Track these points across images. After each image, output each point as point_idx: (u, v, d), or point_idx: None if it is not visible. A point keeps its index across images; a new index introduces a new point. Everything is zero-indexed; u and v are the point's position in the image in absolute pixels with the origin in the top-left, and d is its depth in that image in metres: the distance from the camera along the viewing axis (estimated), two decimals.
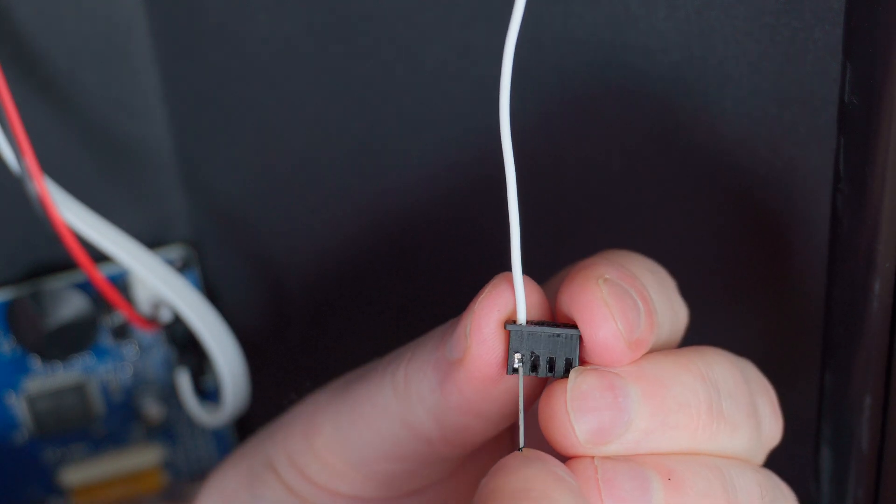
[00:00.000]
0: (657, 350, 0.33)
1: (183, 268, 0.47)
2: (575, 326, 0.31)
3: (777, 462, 0.36)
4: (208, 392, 0.49)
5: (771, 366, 0.44)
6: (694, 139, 0.41)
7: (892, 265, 0.34)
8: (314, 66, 0.42)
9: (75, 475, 0.49)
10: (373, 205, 0.45)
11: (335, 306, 0.48)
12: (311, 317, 0.48)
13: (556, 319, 0.32)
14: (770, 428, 0.34)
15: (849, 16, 0.32)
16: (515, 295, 0.31)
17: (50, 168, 0.40)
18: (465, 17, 0.41)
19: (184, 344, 0.47)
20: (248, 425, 0.50)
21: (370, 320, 0.48)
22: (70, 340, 0.46)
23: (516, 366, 0.31)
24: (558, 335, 0.31)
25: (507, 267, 0.32)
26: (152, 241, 0.46)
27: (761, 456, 0.34)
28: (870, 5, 0.31)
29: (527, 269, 0.32)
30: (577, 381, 0.31)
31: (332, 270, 0.47)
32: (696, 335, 0.34)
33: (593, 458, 0.31)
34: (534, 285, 0.32)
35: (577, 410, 0.31)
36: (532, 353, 0.31)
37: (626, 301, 0.31)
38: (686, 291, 0.42)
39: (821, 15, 0.37)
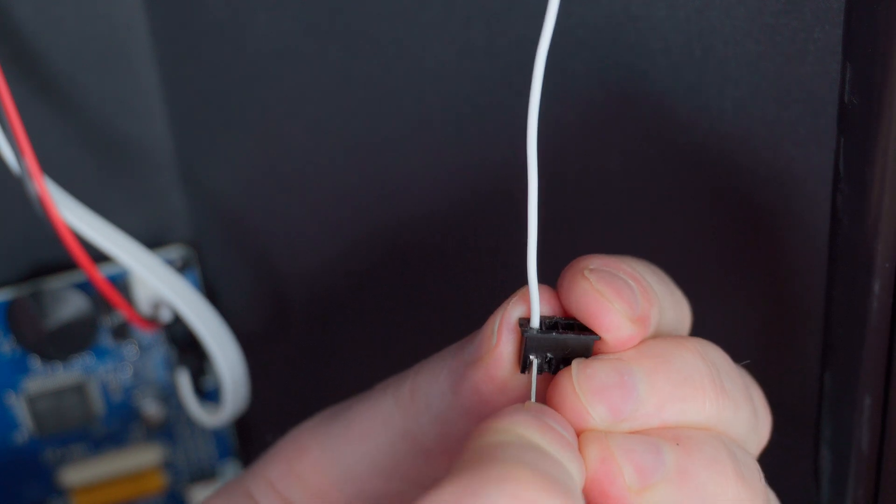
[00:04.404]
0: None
1: (183, 268, 0.47)
2: (592, 332, 0.32)
3: (777, 462, 0.36)
4: (208, 392, 0.49)
5: (771, 366, 0.44)
6: (694, 139, 0.41)
7: (892, 265, 0.34)
8: (314, 66, 0.42)
9: (75, 475, 0.49)
10: (372, 205, 0.45)
11: (335, 306, 0.48)
12: (311, 317, 0.48)
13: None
14: (764, 422, 0.35)
15: (849, 16, 0.32)
16: (530, 299, 0.32)
17: (50, 168, 0.40)
18: (465, 17, 0.41)
19: (184, 344, 0.47)
20: (248, 425, 0.50)
21: (370, 320, 0.48)
22: (70, 340, 0.46)
23: (532, 361, 0.32)
24: (574, 340, 0.32)
25: (511, 267, 0.33)
26: (152, 241, 0.46)
27: (755, 450, 0.34)
28: (870, 5, 0.31)
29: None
30: (581, 366, 0.31)
31: (331, 270, 0.47)
32: (695, 335, 0.34)
33: (602, 430, 0.31)
34: (551, 291, 0.33)
35: (587, 392, 0.31)
36: (547, 355, 0.32)
37: (616, 282, 0.32)
38: (685, 292, 0.42)
39: (821, 15, 0.37)
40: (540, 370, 0.32)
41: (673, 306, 0.34)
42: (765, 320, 0.44)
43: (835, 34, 0.37)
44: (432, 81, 0.42)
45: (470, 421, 0.33)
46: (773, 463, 0.36)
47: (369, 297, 0.47)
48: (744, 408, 0.33)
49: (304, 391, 0.50)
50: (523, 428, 0.30)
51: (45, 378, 0.47)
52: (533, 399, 0.32)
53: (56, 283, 0.45)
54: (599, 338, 0.32)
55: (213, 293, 0.48)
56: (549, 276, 0.36)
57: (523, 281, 0.32)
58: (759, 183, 0.41)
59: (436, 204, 0.44)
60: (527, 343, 0.32)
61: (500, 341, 0.32)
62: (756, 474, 0.33)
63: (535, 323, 0.32)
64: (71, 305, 0.45)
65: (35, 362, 0.47)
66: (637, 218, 0.43)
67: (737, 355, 0.37)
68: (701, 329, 0.36)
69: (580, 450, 0.31)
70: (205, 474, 0.51)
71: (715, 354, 0.33)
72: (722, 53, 0.39)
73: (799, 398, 0.43)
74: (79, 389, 0.47)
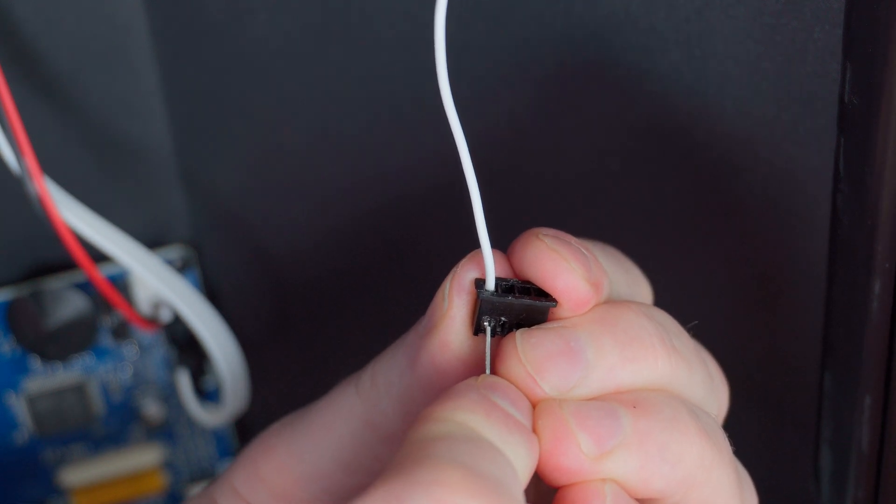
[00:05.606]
0: None
1: (183, 268, 0.47)
2: (548, 297, 0.31)
3: (777, 462, 0.36)
4: (208, 392, 0.49)
5: (771, 366, 0.44)
6: (694, 139, 0.41)
7: (892, 265, 0.34)
8: (314, 66, 0.42)
9: (75, 475, 0.49)
10: (372, 204, 0.45)
11: (335, 306, 0.48)
12: (311, 317, 0.48)
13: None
14: (721, 387, 0.34)
15: (849, 16, 0.32)
16: (485, 260, 0.31)
17: (50, 168, 0.40)
18: (465, 18, 0.41)
19: (184, 344, 0.47)
20: (248, 425, 0.50)
21: (370, 320, 0.48)
22: (70, 340, 0.46)
23: (485, 324, 0.32)
24: (529, 306, 0.31)
25: None
26: (152, 241, 0.46)
27: (716, 417, 0.34)
28: (870, 5, 0.31)
29: None
30: (525, 335, 0.31)
31: (331, 270, 0.47)
32: (695, 335, 0.34)
33: (556, 398, 0.31)
34: (502, 255, 0.32)
35: (533, 361, 0.31)
36: (501, 318, 0.31)
37: (570, 246, 0.31)
38: (685, 291, 0.42)
39: (821, 15, 0.37)
40: (493, 333, 0.31)
41: (627, 284, 0.34)
42: (765, 320, 0.44)
43: (835, 34, 0.37)
44: (432, 81, 0.42)
45: (429, 397, 0.32)
46: (774, 463, 0.36)
47: (369, 297, 0.47)
48: (698, 369, 0.32)
49: (304, 391, 0.50)
50: (465, 414, 0.29)
51: (45, 378, 0.47)
52: (488, 368, 0.31)
53: (56, 283, 0.45)
54: (556, 304, 0.31)
55: (213, 293, 0.48)
56: None
57: None
58: (759, 183, 0.41)
59: (437, 204, 0.44)
60: (481, 305, 0.31)
61: (451, 304, 0.32)
62: (721, 433, 0.32)
63: (491, 285, 0.31)
64: (71, 305, 0.45)
65: (35, 362, 0.47)
66: (636, 217, 0.43)
67: (737, 354, 0.37)
68: (700, 328, 0.36)
69: (535, 419, 0.30)
70: (205, 474, 0.51)
71: (661, 316, 0.32)
72: (722, 53, 0.39)
73: (799, 398, 0.43)
74: (79, 389, 0.47)
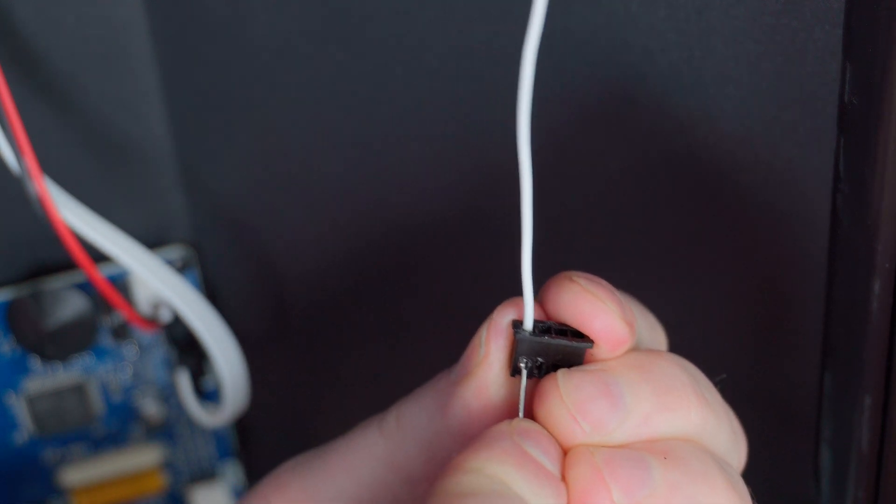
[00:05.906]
0: None
1: (183, 268, 0.47)
2: (584, 338, 0.31)
3: (777, 462, 0.36)
4: (208, 392, 0.49)
5: (771, 366, 0.44)
6: (694, 139, 0.41)
7: (892, 265, 0.34)
8: (314, 66, 0.42)
9: (75, 475, 0.49)
10: (373, 205, 0.45)
11: (335, 306, 0.48)
12: (311, 317, 0.48)
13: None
14: (742, 442, 0.34)
15: (849, 16, 0.32)
16: (524, 299, 0.31)
17: (50, 168, 0.40)
18: (466, 17, 0.41)
19: (184, 344, 0.47)
20: (248, 425, 0.50)
21: (370, 320, 0.48)
22: (70, 340, 0.46)
23: (521, 365, 0.32)
24: (566, 347, 0.31)
25: (509, 268, 0.32)
26: (152, 241, 0.46)
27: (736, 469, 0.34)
28: (870, 5, 0.31)
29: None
30: (567, 376, 0.31)
31: (332, 270, 0.47)
32: (696, 336, 0.34)
33: (588, 446, 0.31)
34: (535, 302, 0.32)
35: (574, 404, 0.31)
36: (537, 359, 0.32)
37: (604, 287, 0.32)
38: (685, 292, 0.42)
39: (821, 15, 0.37)
40: (529, 375, 0.32)
41: (648, 329, 0.34)
42: (765, 320, 0.44)
43: (835, 34, 0.37)
44: (432, 81, 0.42)
45: (459, 443, 0.32)
46: (774, 463, 0.36)
47: (369, 297, 0.47)
48: (724, 422, 0.32)
49: (303, 391, 0.50)
50: (497, 466, 0.29)
51: (45, 378, 0.47)
52: (521, 411, 0.31)
53: (56, 283, 0.45)
54: (593, 345, 0.31)
55: (213, 293, 0.48)
56: (542, 275, 0.36)
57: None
58: (759, 183, 0.41)
59: (437, 204, 0.44)
60: (518, 345, 0.31)
61: (489, 350, 0.32)
62: (744, 487, 0.32)
63: (529, 325, 0.31)
64: (71, 305, 0.45)
65: (35, 362, 0.47)
66: (636, 218, 0.43)
67: (737, 355, 0.37)
68: (701, 329, 0.36)
69: (567, 467, 0.30)
70: (205, 474, 0.51)
71: (691, 367, 0.33)
72: (722, 53, 0.39)
73: (799, 398, 0.43)
74: (79, 389, 0.47)
